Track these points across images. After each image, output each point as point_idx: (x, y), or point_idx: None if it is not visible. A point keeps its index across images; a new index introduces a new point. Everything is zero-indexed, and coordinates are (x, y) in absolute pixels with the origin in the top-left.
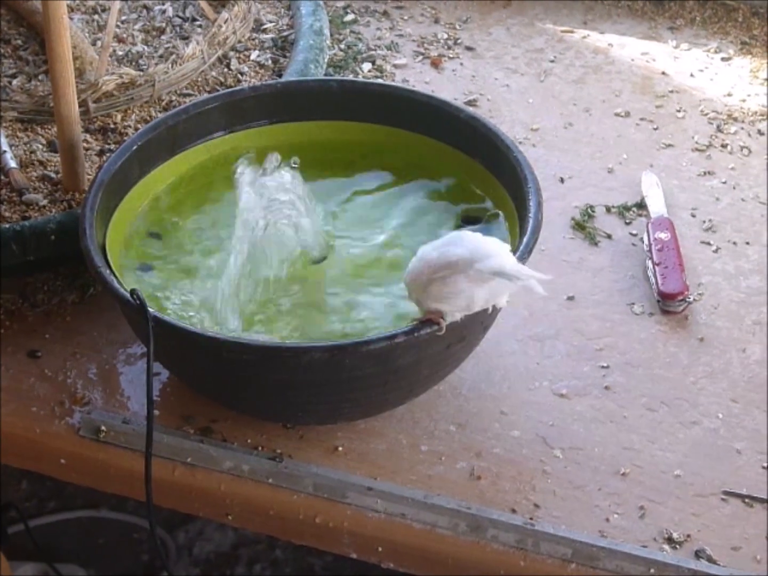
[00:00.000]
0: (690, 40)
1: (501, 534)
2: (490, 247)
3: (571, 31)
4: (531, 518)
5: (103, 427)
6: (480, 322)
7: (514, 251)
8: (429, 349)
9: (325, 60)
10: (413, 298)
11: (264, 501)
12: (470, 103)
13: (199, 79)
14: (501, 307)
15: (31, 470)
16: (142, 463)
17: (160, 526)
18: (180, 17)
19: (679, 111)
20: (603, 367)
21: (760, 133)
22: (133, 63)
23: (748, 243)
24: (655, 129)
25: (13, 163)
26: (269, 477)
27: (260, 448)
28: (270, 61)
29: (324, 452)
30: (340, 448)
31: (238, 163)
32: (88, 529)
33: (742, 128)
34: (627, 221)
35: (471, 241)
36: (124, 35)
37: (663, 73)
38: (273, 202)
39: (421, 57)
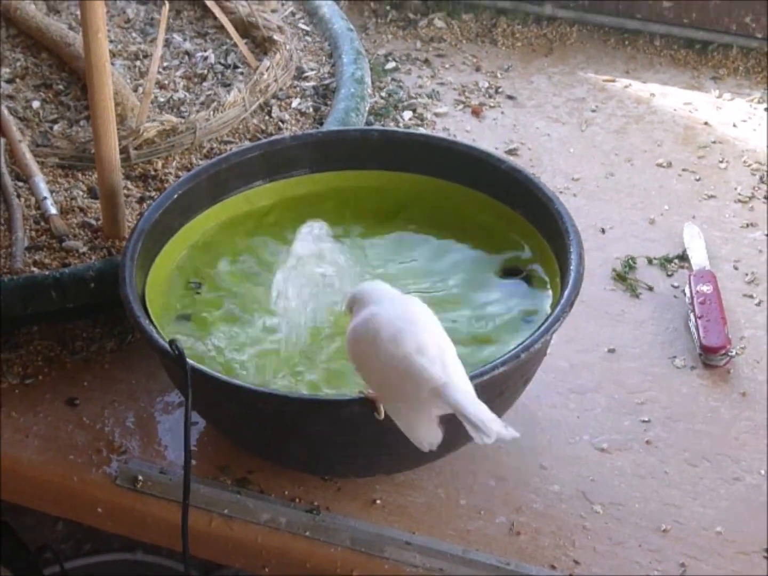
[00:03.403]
0: (733, 90)
1: None
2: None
3: (613, 81)
4: (571, 575)
5: (140, 477)
6: (521, 375)
7: (555, 304)
8: None
9: (366, 108)
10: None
11: (301, 554)
12: (511, 152)
13: (240, 126)
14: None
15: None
16: (178, 513)
17: (196, 569)
18: (222, 64)
19: (721, 162)
20: (644, 421)
21: None
22: (175, 110)
23: None
24: (698, 180)
25: (53, 210)
26: (306, 530)
27: (297, 501)
28: (311, 109)
29: (362, 505)
30: (378, 501)
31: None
32: (123, 571)
33: None
34: (669, 273)
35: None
36: (166, 82)
37: (706, 123)
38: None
39: (461, 105)
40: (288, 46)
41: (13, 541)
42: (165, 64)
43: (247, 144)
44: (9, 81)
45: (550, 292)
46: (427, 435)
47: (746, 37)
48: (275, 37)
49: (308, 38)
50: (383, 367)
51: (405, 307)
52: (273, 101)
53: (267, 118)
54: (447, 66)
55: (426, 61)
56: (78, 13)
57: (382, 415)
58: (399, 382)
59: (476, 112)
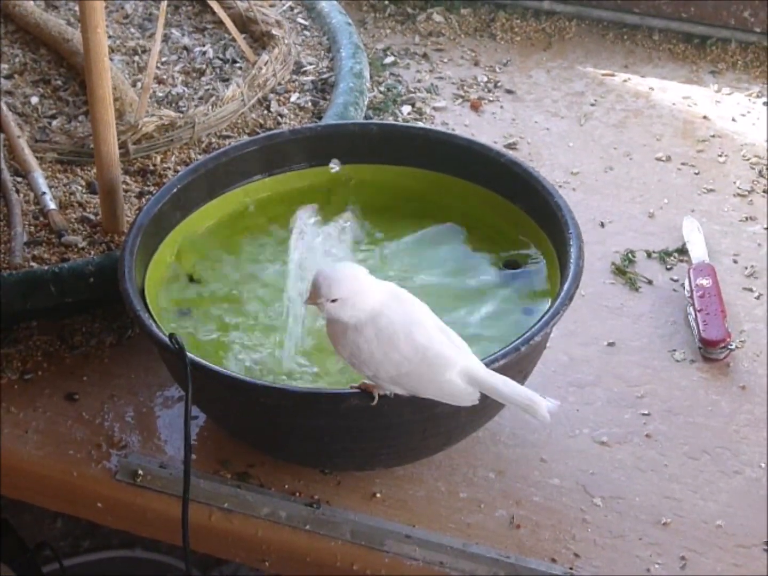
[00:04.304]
0: (732, 84)
1: None
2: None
3: (612, 75)
4: (571, 568)
5: (140, 471)
6: (520, 368)
7: (555, 297)
8: None
9: (365, 103)
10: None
11: (301, 547)
12: (510, 146)
13: (239, 121)
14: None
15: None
16: (178, 507)
17: (195, 567)
18: (220, 59)
19: (720, 156)
20: (644, 414)
21: None
22: (173, 105)
23: None
24: (697, 174)
25: (52, 205)
26: (306, 523)
27: (298, 494)
28: (310, 104)
29: (362, 499)
30: (378, 495)
31: (296, 214)
32: (122, 568)
33: None
34: (668, 267)
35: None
36: (164, 77)
37: (704, 117)
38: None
39: (460, 100)
40: (286, 41)
41: (12, 539)
42: (163, 59)
43: (245, 138)
44: (8, 77)
45: (549, 285)
46: (464, 395)
47: (745, 31)
48: (273, 31)
49: (307, 33)
50: (402, 364)
51: (406, 306)
52: (271, 96)
53: (265, 112)
54: (446, 60)
55: (425, 56)
56: (76, 8)
57: (377, 400)
58: (423, 371)
59: (475, 107)
